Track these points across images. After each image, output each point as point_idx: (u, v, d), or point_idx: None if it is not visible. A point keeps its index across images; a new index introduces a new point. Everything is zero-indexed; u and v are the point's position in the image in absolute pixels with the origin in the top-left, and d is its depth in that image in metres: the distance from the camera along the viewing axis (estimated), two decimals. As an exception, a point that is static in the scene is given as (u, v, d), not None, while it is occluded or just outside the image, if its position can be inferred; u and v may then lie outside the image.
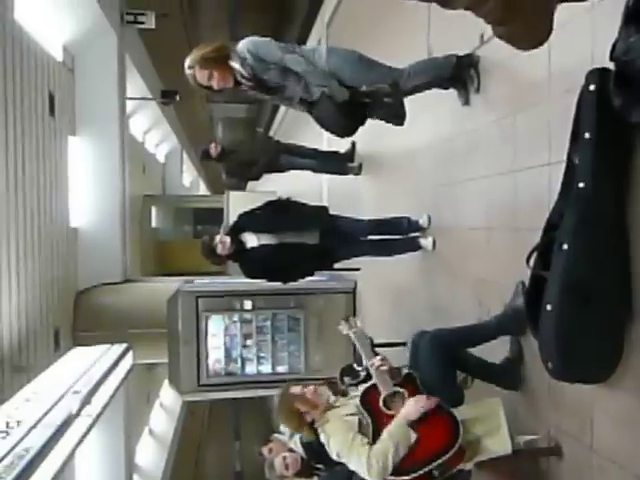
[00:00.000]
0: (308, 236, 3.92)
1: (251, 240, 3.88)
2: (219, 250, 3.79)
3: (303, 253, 3.89)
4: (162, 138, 17.42)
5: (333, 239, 3.98)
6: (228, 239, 3.80)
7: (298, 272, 4.09)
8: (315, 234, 3.93)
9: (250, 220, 3.98)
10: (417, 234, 4.11)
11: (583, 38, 2.23)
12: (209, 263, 4.15)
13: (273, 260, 3.85)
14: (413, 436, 2.22)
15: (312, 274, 4.30)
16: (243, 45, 2.90)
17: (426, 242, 4.00)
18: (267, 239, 3.87)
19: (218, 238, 3.79)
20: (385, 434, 2.25)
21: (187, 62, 2.91)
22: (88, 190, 9.09)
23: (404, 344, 3.73)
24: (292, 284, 4.43)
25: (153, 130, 15.91)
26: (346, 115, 2.90)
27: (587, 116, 1.94)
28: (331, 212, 4.20)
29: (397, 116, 2.91)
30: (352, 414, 2.42)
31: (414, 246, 4.08)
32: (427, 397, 2.32)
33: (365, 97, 2.85)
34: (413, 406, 2.29)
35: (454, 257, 3.69)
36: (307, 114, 3.09)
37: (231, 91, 3.03)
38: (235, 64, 2.88)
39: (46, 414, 4.71)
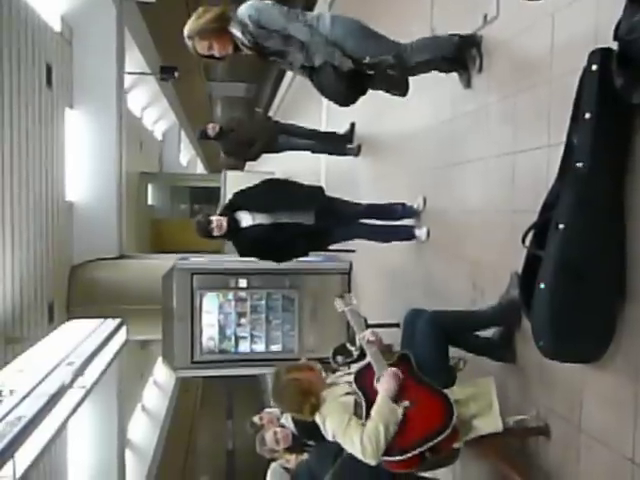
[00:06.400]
0: (303, 216, 3.90)
1: (246, 219, 3.86)
2: (215, 232, 3.77)
3: (298, 233, 3.87)
4: (160, 115, 17.28)
5: (328, 220, 3.97)
6: (225, 221, 3.77)
7: (292, 252, 4.07)
8: (310, 214, 3.92)
9: (245, 199, 3.96)
10: (412, 223, 4.11)
11: (587, 18, 2.21)
12: (205, 242, 4.14)
13: (267, 239, 3.83)
14: (399, 411, 2.23)
15: (306, 255, 4.28)
16: (244, 11, 2.78)
17: (420, 232, 4.01)
18: (262, 218, 3.85)
19: (215, 220, 3.76)
20: (373, 414, 2.25)
21: (186, 31, 2.80)
22: (84, 164, 9.01)
23: (398, 325, 3.74)
24: (287, 264, 4.41)
25: (151, 107, 15.77)
26: (348, 84, 2.84)
27: (588, 96, 1.94)
28: (327, 193, 4.19)
29: (400, 87, 2.86)
30: (347, 393, 2.42)
31: (408, 235, 4.10)
32: (397, 369, 2.35)
33: (368, 69, 2.79)
34: (390, 379, 2.32)
35: (450, 239, 3.69)
36: (309, 81, 3.01)
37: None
38: (236, 31, 2.78)
39: (39, 384, 4.73)
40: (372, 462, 2.22)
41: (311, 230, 3.91)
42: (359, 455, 2.22)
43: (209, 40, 2.80)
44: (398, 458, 2.21)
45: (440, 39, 3.17)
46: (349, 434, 2.24)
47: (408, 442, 2.20)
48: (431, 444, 2.17)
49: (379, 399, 2.28)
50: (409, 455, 2.19)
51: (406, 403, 2.27)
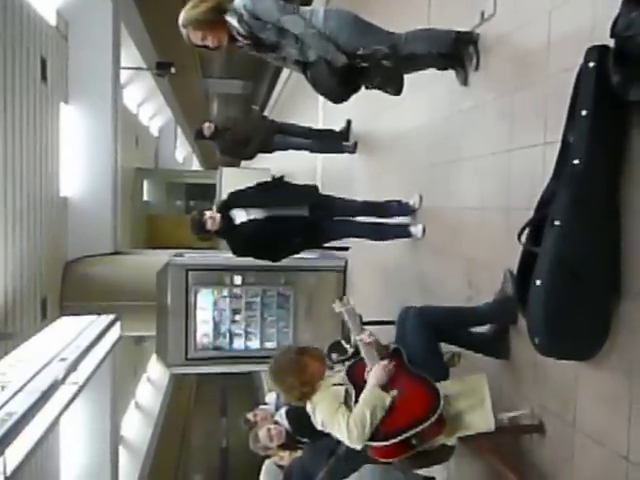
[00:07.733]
0: (297, 210, 3.90)
1: (240, 216, 3.87)
2: (209, 226, 3.78)
3: (292, 225, 3.86)
4: (156, 111, 17.22)
5: (322, 216, 3.97)
6: (218, 215, 3.80)
7: (286, 249, 4.05)
8: (304, 209, 3.92)
9: (240, 197, 3.97)
10: (407, 221, 4.10)
11: (584, 15, 2.21)
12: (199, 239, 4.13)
13: (261, 234, 3.83)
14: (388, 398, 2.26)
15: (301, 250, 4.25)
16: (240, 0, 2.78)
17: (416, 230, 4.01)
18: (256, 213, 3.85)
19: (208, 214, 3.78)
20: (360, 400, 2.29)
21: (181, 19, 2.79)
22: (79, 159, 8.98)
23: (393, 322, 3.74)
24: (283, 261, 4.39)
25: (147, 103, 15.71)
26: (341, 80, 2.83)
27: (585, 93, 1.93)
28: (322, 192, 4.19)
29: (395, 82, 2.84)
30: (340, 384, 2.45)
31: (404, 233, 4.09)
32: (389, 361, 2.38)
33: (362, 61, 2.78)
34: (379, 370, 2.35)
35: (445, 237, 3.69)
36: (303, 76, 3.00)
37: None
38: (232, 20, 2.78)
39: (31, 380, 4.71)
40: (357, 446, 2.24)
41: (306, 223, 3.90)
42: (345, 439, 2.25)
43: (203, 31, 2.80)
44: (383, 444, 2.23)
45: (437, 31, 3.15)
46: (337, 419, 2.27)
47: (393, 428, 2.22)
48: (415, 431, 2.18)
49: (367, 386, 2.32)
50: (393, 441, 2.20)
51: (394, 392, 2.30)
